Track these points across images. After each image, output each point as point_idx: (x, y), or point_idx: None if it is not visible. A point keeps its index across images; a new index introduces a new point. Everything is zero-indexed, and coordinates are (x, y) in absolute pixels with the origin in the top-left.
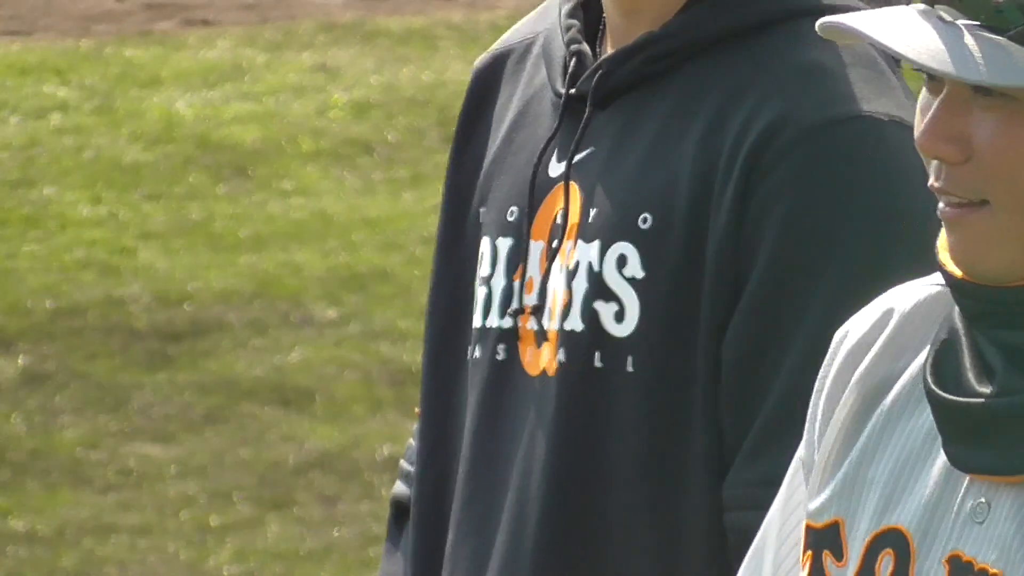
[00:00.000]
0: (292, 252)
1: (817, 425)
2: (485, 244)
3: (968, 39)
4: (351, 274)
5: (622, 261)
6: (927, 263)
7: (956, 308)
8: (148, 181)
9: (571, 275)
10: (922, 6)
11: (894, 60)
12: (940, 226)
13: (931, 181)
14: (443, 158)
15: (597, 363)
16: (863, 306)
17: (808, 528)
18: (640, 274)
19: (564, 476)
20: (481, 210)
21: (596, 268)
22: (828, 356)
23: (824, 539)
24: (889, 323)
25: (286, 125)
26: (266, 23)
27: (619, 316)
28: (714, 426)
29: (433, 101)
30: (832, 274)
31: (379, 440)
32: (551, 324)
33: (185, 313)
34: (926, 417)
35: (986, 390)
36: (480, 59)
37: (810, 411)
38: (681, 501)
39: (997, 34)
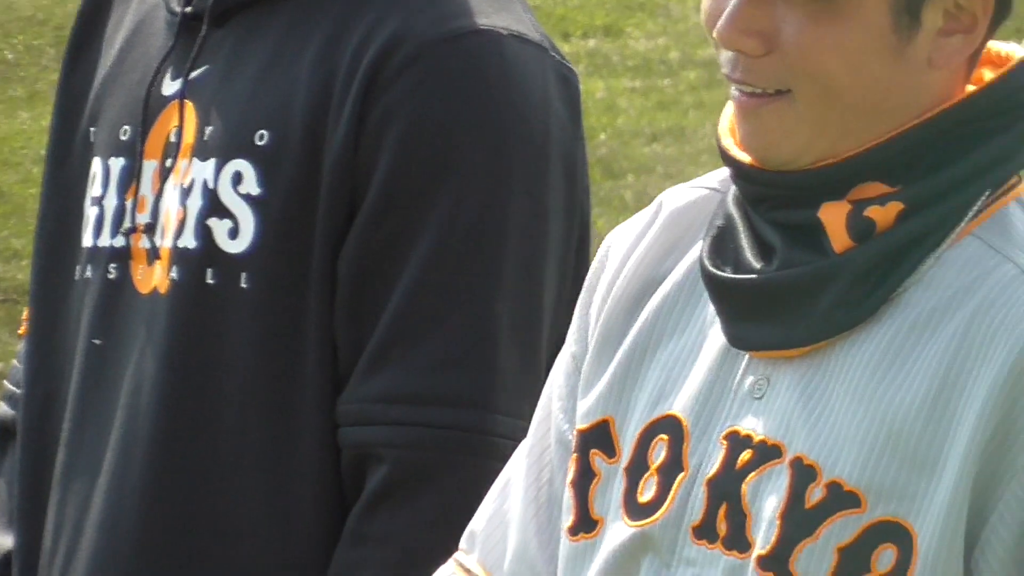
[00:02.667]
0: None
1: (590, 324)
2: (97, 164)
3: None
4: None
5: (237, 178)
6: (546, 175)
7: (731, 195)
8: None
9: (186, 193)
10: None
11: None
12: (562, 142)
13: (725, 71)
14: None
15: (209, 280)
16: (482, 220)
17: (576, 433)
18: (256, 191)
19: (174, 393)
20: (92, 130)
21: (211, 185)
22: (599, 255)
23: (591, 440)
24: (656, 221)
25: None
26: None
27: (233, 233)
28: (330, 343)
29: (51, 20)
30: (449, 188)
31: None
32: (164, 242)
33: None
34: (700, 310)
35: (766, 266)
36: None
37: (579, 308)
38: (294, 417)
39: None
